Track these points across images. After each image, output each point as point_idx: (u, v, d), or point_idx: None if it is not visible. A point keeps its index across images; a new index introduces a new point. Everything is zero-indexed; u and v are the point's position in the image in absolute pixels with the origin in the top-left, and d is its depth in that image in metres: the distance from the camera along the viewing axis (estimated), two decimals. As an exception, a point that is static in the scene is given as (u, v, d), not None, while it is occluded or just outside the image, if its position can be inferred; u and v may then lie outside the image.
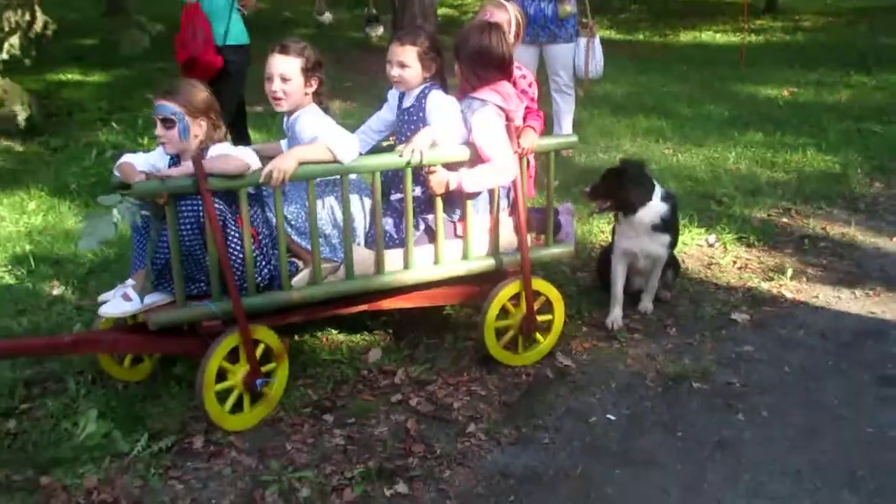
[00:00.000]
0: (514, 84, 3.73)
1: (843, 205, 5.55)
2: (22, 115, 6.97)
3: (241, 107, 6.01)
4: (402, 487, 2.93)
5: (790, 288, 4.40)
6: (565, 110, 6.41)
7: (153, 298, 3.18)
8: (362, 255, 3.45)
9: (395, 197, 3.59)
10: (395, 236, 3.56)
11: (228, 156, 3.12)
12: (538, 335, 3.70)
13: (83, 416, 3.23)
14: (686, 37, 12.13)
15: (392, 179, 3.57)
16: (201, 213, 3.04)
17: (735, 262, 4.71)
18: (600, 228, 5.13)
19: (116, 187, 3.26)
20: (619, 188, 3.82)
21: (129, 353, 3.49)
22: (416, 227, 3.54)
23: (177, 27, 5.60)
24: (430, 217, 3.54)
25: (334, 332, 3.92)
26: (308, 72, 3.35)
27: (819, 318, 4.11)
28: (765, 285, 4.42)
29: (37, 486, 2.92)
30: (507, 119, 3.52)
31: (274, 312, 3.32)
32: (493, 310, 3.56)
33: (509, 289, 3.59)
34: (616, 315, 4.01)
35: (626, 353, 3.80)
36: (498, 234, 3.63)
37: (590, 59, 6.25)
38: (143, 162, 3.32)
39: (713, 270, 4.61)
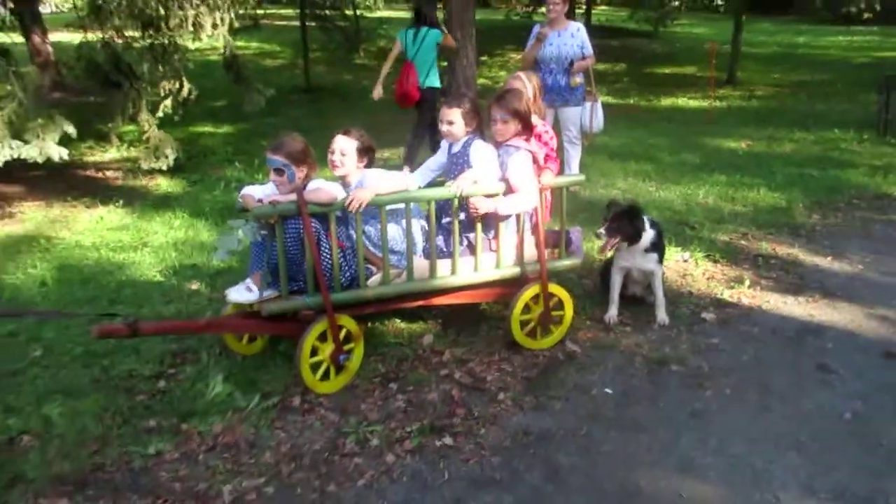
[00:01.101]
0: (538, 136, 3.71)
1: (788, 231, 5.39)
2: (171, 157, 7.11)
3: (432, 123, 6.47)
4: (448, 440, 2.91)
5: (747, 294, 4.29)
6: (574, 157, 6.35)
7: (266, 293, 3.21)
8: (420, 264, 3.45)
9: (445, 220, 3.58)
10: (445, 250, 3.54)
11: (321, 189, 3.16)
12: (552, 327, 3.66)
13: (212, 380, 3.27)
14: (666, 101, 11.94)
15: (443, 207, 3.56)
16: (301, 230, 3.07)
17: (704, 274, 4.61)
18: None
19: (240, 211, 3.31)
20: (628, 225, 3.74)
21: (246, 333, 3.52)
22: (461, 243, 3.53)
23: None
24: (471, 235, 3.53)
25: (398, 321, 3.92)
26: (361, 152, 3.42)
27: (770, 318, 4.00)
28: (727, 292, 4.32)
29: (179, 431, 2.97)
30: (534, 160, 3.51)
31: (354, 305, 3.32)
32: (519, 307, 3.53)
33: (531, 291, 3.55)
34: (612, 313, 3.94)
35: (620, 342, 3.74)
36: (522, 248, 3.60)
37: (593, 118, 6.19)
38: (259, 192, 3.36)
39: (687, 280, 4.51)
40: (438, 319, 3.93)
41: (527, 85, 3.92)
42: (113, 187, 7.08)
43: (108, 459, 2.79)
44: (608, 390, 3.28)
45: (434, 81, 6.87)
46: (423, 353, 3.60)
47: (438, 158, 3.80)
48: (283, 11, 19.55)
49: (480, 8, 10.28)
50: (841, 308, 4.09)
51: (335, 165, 3.40)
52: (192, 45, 7.81)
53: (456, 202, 3.37)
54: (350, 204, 3.13)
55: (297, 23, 14.54)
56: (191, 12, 7.70)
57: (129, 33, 8.43)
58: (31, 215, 6.15)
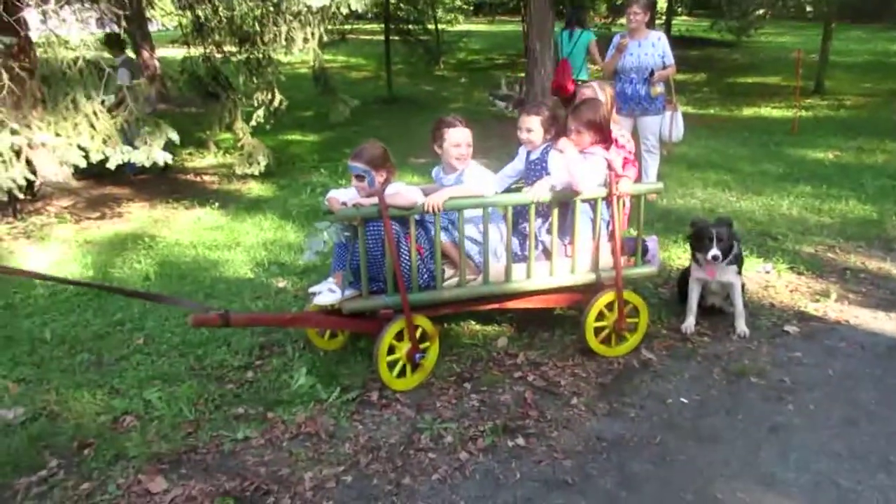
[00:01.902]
0: (616, 141, 3.64)
1: (879, 245, 5.06)
2: (263, 164, 7.40)
3: None
4: (520, 441, 2.88)
5: (833, 309, 4.05)
6: (652, 165, 6.19)
7: (348, 292, 3.27)
8: (496, 268, 3.44)
9: (521, 225, 3.56)
10: (520, 254, 3.52)
11: (400, 193, 3.19)
12: (627, 334, 3.57)
13: (297, 372, 3.37)
14: (748, 111, 11.44)
15: (520, 212, 3.54)
16: (382, 232, 3.12)
17: (787, 286, 4.38)
18: (677, 255, 4.90)
19: (325, 213, 3.40)
20: (731, 245, 3.61)
21: (328, 329, 3.60)
22: (536, 247, 3.50)
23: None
24: (547, 240, 3.49)
25: (473, 323, 3.91)
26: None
27: (858, 333, 3.76)
28: (812, 305, 4.09)
29: (265, 418, 3.06)
30: (609, 168, 3.44)
31: (430, 306, 3.34)
32: (593, 313, 3.46)
33: (605, 298, 3.48)
34: (690, 322, 3.80)
35: (697, 352, 3.60)
36: (598, 255, 3.53)
37: (673, 127, 6.03)
38: (343, 195, 3.41)
39: (769, 292, 4.30)
40: (513, 323, 3.91)
41: (598, 94, 3.85)
42: (210, 190, 7.41)
43: (200, 442, 2.91)
44: (684, 400, 3.17)
45: (585, 76, 7.73)
46: (498, 355, 3.58)
47: (516, 165, 3.78)
48: (368, 27, 20.01)
49: (558, 20, 10.18)
50: (938, 325, 3.80)
51: (462, 157, 3.43)
52: (284, 59, 8.10)
53: (532, 208, 3.34)
54: (429, 207, 3.16)
55: (381, 37, 14.86)
56: (284, 28, 8.00)
57: (227, 48, 8.85)
58: (136, 215, 6.53)
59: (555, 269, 3.48)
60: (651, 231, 4.76)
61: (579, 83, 7.12)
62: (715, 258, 3.55)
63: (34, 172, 5.56)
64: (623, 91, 5.97)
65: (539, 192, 3.31)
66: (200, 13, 8.90)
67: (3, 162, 5.20)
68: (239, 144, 7.61)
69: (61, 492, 2.63)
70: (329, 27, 8.65)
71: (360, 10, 7.84)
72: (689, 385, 3.28)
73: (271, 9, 8.01)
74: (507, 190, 3.77)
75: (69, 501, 2.58)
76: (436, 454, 2.81)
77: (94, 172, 6.50)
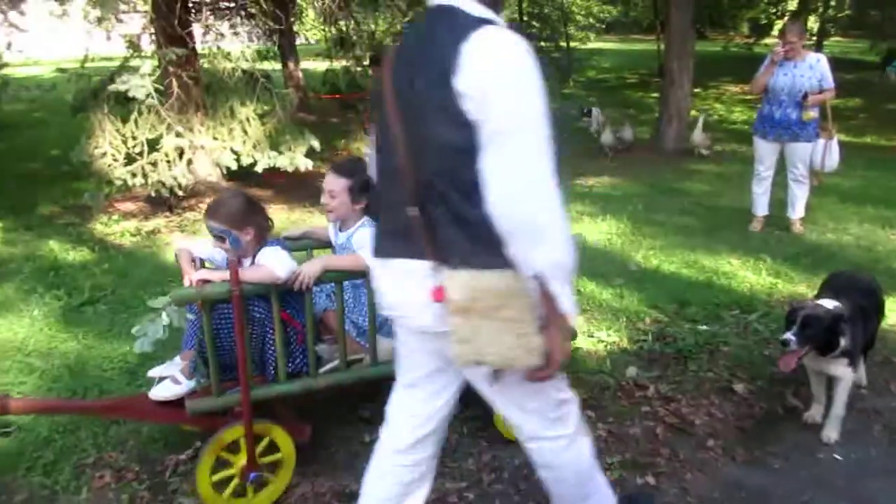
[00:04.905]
0: None
1: None
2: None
3: None
4: (650, 479, 2.72)
5: None
6: (800, 197, 5.75)
7: (190, 384, 2.65)
8: (386, 345, 2.67)
9: None
10: None
11: (261, 266, 2.50)
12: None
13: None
14: (913, 142, 10.41)
15: None
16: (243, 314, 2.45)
17: (961, 340, 3.88)
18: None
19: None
20: (822, 335, 2.82)
21: (159, 422, 2.91)
22: None
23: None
24: None
25: (600, 346, 3.78)
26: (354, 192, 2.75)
27: None
28: None
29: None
30: None
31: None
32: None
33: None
34: (812, 413, 3.10)
35: (854, 405, 3.24)
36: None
37: (826, 156, 5.58)
38: (200, 249, 2.78)
39: (939, 344, 3.84)
40: (644, 351, 3.74)
41: None
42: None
43: (331, 441, 3.00)
44: (838, 457, 2.87)
45: None
46: (626, 385, 3.43)
47: None
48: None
49: (697, 39, 9.76)
50: None
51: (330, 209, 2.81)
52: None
53: None
54: (298, 282, 2.49)
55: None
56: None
57: (365, 63, 9.25)
58: (276, 217, 6.91)
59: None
60: (796, 267, 4.40)
61: None
62: (784, 343, 2.82)
63: (192, 172, 6.05)
64: (770, 115, 5.60)
65: None
66: (343, 27, 9.38)
67: (168, 161, 5.70)
68: (372, 154, 7.90)
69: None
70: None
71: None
72: (845, 441, 2.97)
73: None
74: None
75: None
76: (560, 482, 2.72)
77: (240, 174, 6.98)
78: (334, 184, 2.74)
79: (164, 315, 2.52)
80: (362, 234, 2.71)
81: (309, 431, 2.73)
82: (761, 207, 5.94)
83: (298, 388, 2.63)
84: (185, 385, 2.62)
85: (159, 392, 2.62)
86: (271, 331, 2.55)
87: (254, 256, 2.63)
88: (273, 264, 2.48)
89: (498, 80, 1.55)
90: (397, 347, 2.04)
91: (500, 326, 1.62)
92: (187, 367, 2.65)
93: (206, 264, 2.81)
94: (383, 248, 1.86)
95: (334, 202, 2.75)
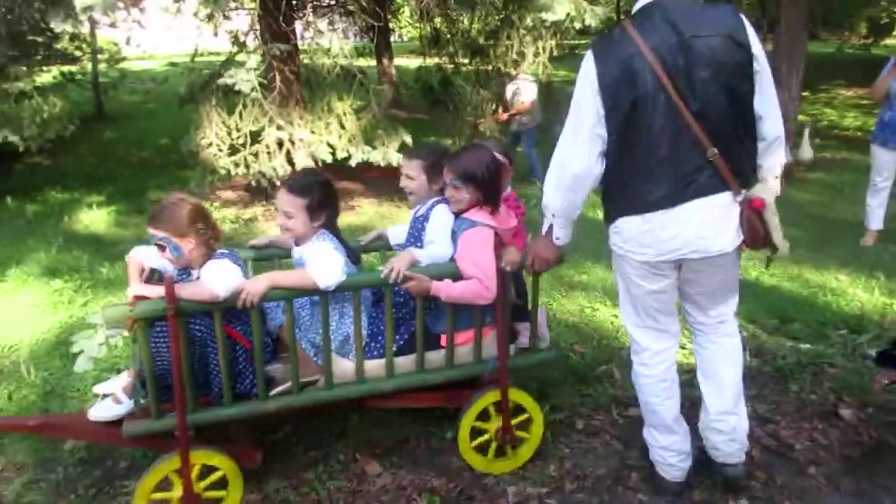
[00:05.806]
0: (508, 200, 2.83)
1: None
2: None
3: None
4: (744, 502, 2.60)
5: None
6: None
7: (128, 405, 2.49)
8: (342, 366, 2.58)
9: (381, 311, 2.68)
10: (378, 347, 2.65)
11: (198, 283, 2.32)
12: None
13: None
14: None
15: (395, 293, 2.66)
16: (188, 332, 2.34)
17: None
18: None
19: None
20: None
21: (96, 442, 2.77)
22: (402, 337, 2.68)
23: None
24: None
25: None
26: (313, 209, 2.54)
27: None
28: None
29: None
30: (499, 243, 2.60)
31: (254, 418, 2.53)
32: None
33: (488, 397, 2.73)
34: None
35: (978, 440, 2.98)
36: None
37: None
38: (151, 258, 2.57)
39: None
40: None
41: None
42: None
43: (412, 435, 3.03)
44: (959, 497, 2.63)
45: None
46: (719, 402, 3.27)
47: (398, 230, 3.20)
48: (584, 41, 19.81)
49: (809, 40, 9.15)
50: None
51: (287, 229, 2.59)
52: (512, 72, 8.27)
53: (389, 292, 2.52)
54: (241, 300, 2.30)
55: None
56: (516, 42, 8.18)
57: (458, 60, 9.28)
58: (365, 210, 7.08)
59: (424, 364, 2.66)
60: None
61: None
62: (864, 357, 2.73)
63: (291, 164, 6.28)
64: (892, 122, 5.20)
65: (397, 268, 2.46)
66: (438, 25, 9.45)
67: (269, 153, 5.92)
68: (461, 151, 7.93)
69: (297, 453, 2.91)
70: (558, 42, 8.69)
71: (593, 26, 7.76)
72: (967, 480, 2.72)
73: (506, 23, 8.24)
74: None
75: (301, 462, 2.86)
76: (646, 496, 2.63)
77: (333, 168, 7.18)
78: (290, 204, 2.51)
79: (100, 332, 2.39)
80: (314, 248, 2.51)
81: (259, 458, 2.56)
82: (876, 221, 5.53)
83: (245, 412, 2.45)
84: (126, 405, 2.47)
85: (98, 413, 2.48)
86: (214, 350, 2.38)
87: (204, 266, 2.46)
88: (212, 281, 2.29)
89: (756, 45, 2.18)
90: (680, 286, 2.44)
91: (777, 221, 2.29)
92: (130, 386, 2.48)
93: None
94: (669, 198, 2.19)
95: (291, 222, 2.53)
